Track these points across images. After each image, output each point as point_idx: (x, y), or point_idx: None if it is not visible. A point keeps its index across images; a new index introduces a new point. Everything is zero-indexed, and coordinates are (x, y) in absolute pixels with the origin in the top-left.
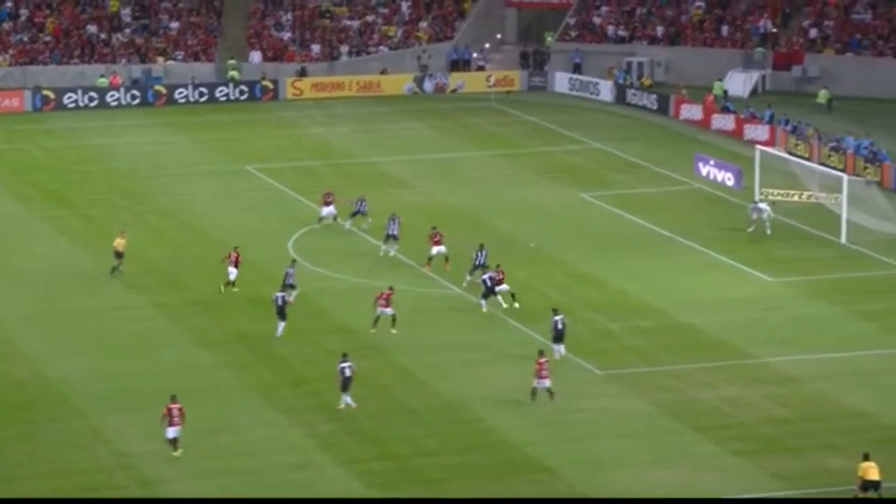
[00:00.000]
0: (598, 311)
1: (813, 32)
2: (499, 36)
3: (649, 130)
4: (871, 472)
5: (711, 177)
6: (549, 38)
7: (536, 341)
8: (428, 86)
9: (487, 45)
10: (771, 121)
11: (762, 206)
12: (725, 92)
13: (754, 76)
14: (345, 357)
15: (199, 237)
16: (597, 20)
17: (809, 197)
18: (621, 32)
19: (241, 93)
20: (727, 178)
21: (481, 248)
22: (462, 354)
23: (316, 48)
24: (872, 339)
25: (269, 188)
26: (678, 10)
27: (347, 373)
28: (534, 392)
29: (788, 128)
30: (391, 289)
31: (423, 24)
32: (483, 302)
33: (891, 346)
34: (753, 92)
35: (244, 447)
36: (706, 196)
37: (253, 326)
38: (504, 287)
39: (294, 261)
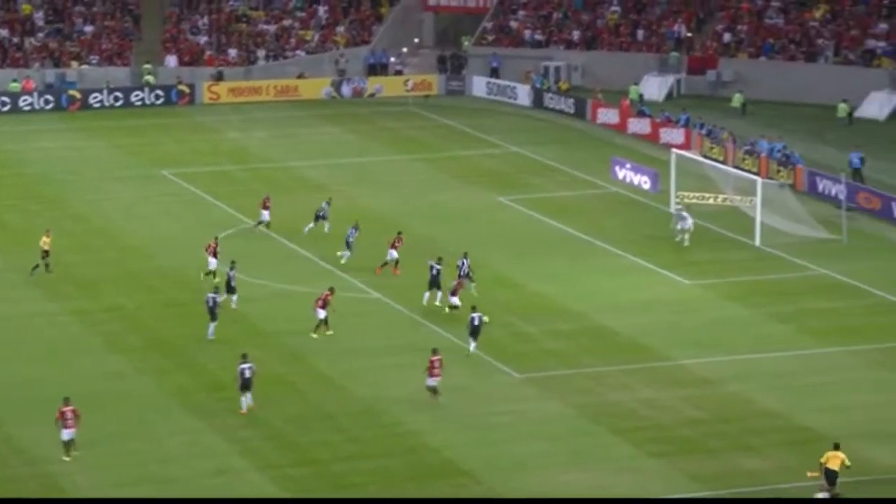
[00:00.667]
0: (517, 314)
1: (727, 37)
2: (416, 40)
3: (566, 134)
4: (833, 461)
5: (628, 180)
6: (467, 43)
7: (456, 345)
8: (346, 90)
9: (405, 50)
10: (686, 124)
11: (686, 214)
12: (641, 96)
13: (669, 80)
14: (244, 358)
15: (115, 242)
16: (514, 24)
17: (724, 200)
18: (538, 37)
19: (157, 97)
20: (643, 182)
21: (465, 255)
22: (381, 359)
23: (233, 52)
24: (786, 340)
25: (185, 193)
26: (594, 14)
27: (247, 374)
28: (433, 391)
29: (703, 131)
30: (331, 290)
31: (341, 29)
32: (426, 296)
33: (804, 347)
34: (669, 96)
35: (161, 454)
36: (623, 199)
37: (170, 332)
38: (455, 300)
39: (234, 262)
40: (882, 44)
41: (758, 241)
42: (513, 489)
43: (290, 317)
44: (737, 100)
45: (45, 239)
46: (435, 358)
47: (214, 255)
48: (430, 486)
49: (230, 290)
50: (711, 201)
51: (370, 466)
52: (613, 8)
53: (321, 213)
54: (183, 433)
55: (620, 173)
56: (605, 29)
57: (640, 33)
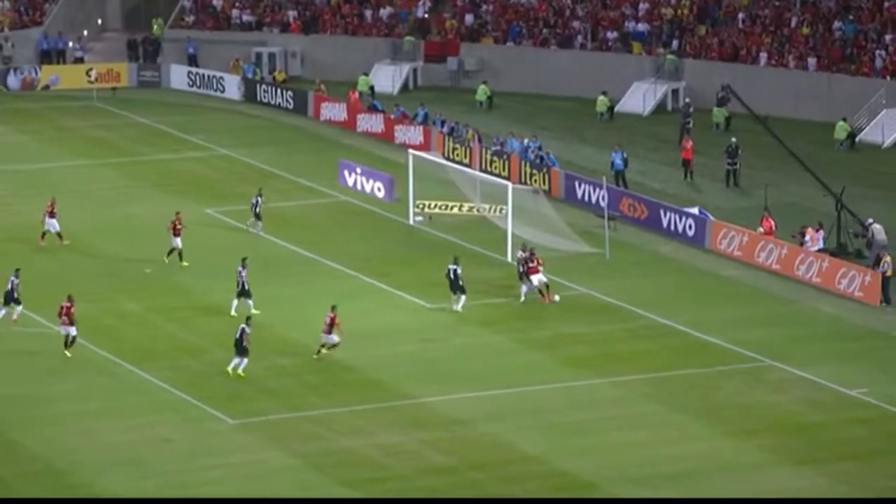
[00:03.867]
0: (229, 348)
1: (469, 18)
2: (99, 21)
3: (285, 133)
4: None
5: (359, 187)
6: (156, 26)
7: (156, 387)
8: (13, 81)
9: (86, 33)
10: (425, 121)
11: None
12: (372, 88)
13: (404, 69)
14: None
15: None
16: (217, 3)
17: (471, 209)
18: (247, 18)
19: None
20: (377, 189)
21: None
22: (65, 407)
23: None
24: (544, 371)
25: None
26: None
27: None
28: None
29: (445, 129)
30: (70, 300)
31: (4, 6)
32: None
33: (564, 378)
34: (404, 87)
35: None
36: (354, 209)
37: None
38: (332, 338)
39: (17, 270)
40: (644, 26)
41: (509, 257)
42: None
43: None
44: (482, 92)
45: None
46: None
47: (176, 234)
48: None
49: (15, 300)
50: (456, 211)
51: None
52: None
53: (256, 207)
54: None
55: (350, 179)
56: (327, 9)
57: (369, 14)
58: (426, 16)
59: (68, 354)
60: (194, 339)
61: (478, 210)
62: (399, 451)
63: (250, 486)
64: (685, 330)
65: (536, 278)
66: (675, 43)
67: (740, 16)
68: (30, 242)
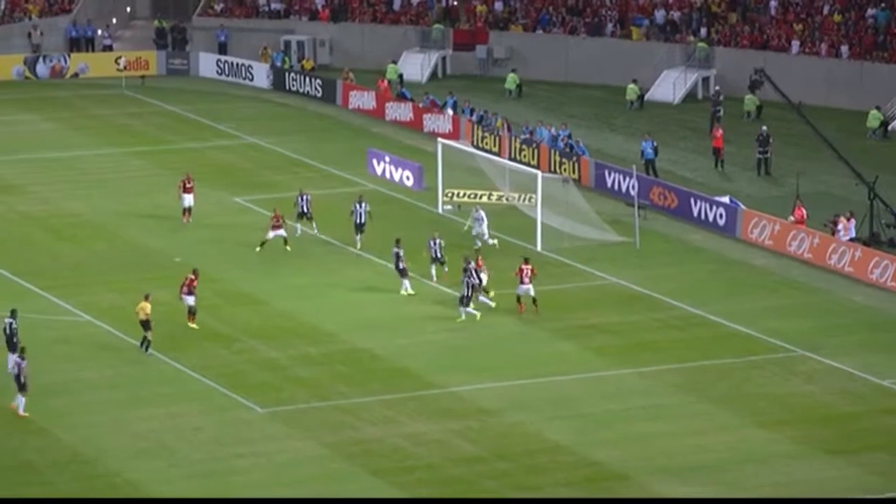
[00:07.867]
0: (258, 337)
1: (498, 6)
2: (128, 9)
3: (314, 122)
4: None
5: (388, 176)
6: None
7: (185, 375)
8: (42, 69)
9: (115, 21)
10: (454, 110)
11: (482, 214)
12: (401, 76)
13: (433, 57)
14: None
15: None
16: None
17: (500, 198)
18: (276, 6)
19: None
20: (406, 177)
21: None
22: (93, 395)
23: None
24: (573, 361)
25: None
26: None
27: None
28: None
29: (474, 118)
30: (195, 273)
31: None
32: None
33: (592, 368)
34: (433, 76)
35: None
36: (383, 198)
37: None
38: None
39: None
40: (677, 13)
41: (539, 246)
42: None
43: None
44: (511, 80)
45: (144, 304)
46: None
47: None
48: None
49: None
50: (485, 199)
51: None
52: None
53: (304, 209)
54: None
55: (379, 167)
56: None
57: (398, 2)
58: (455, 3)
59: (194, 326)
60: (223, 327)
61: (507, 199)
62: (427, 440)
63: (279, 474)
64: (716, 320)
65: (528, 287)
66: (703, 31)
67: (772, 3)
68: (55, 230)
